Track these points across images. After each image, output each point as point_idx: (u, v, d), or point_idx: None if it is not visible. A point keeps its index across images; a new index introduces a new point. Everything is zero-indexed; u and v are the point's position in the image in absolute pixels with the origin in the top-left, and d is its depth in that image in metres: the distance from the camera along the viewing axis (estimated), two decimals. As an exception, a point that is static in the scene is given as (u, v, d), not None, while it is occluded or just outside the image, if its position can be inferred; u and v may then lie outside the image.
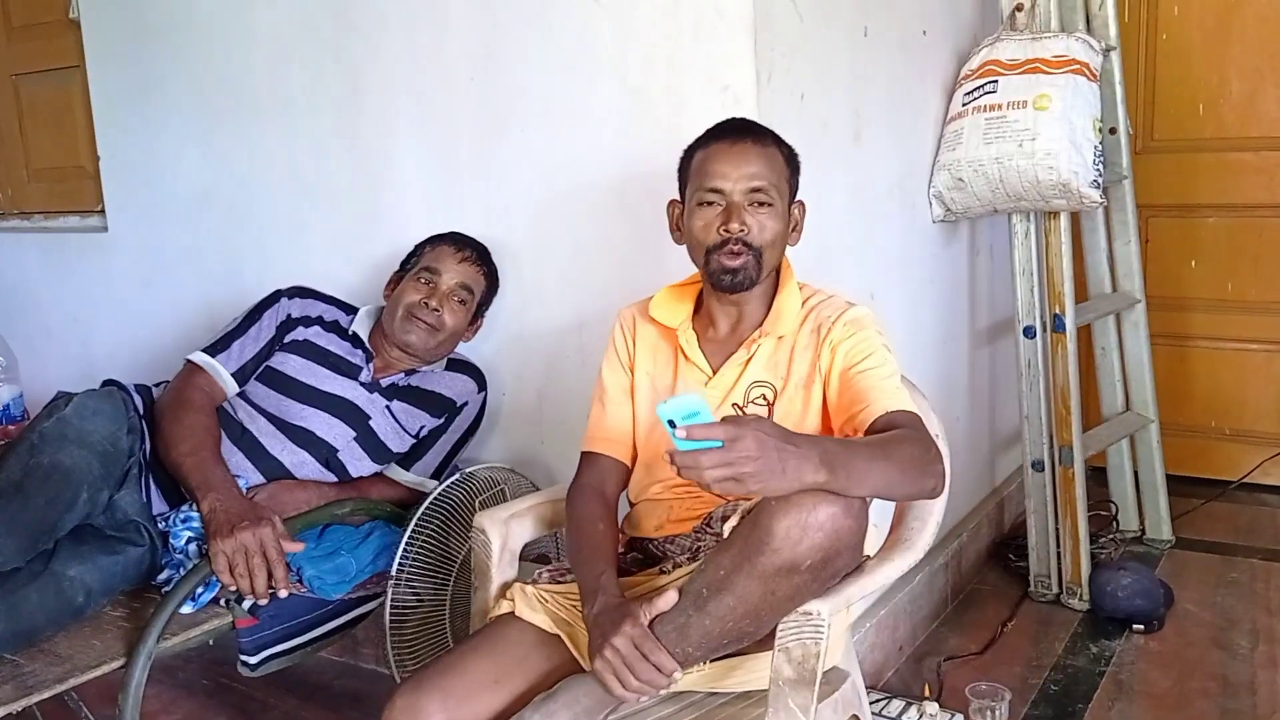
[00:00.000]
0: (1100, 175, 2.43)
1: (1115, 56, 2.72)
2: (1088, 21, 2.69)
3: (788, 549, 1.29)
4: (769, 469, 1.21)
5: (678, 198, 1.69)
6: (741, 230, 1.57)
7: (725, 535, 1.37)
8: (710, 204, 1.59)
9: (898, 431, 1.44)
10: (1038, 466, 2.74)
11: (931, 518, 1.58)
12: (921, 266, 2.61)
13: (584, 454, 1.74)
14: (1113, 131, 2.77)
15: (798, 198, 1.68)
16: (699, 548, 1.57)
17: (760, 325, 1.65)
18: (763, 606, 1.34)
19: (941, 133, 2.59)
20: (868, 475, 1.33)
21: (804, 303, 1.67)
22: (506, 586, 1.70)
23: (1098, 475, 3.07)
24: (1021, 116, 2.42)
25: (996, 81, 2.47)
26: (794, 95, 2.00)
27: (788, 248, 1.68)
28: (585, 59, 2.07)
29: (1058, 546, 2.73)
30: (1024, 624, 2.63)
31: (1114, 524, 3.08)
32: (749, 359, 1.64)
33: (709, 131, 1.65)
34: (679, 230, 1.68)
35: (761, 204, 1.59)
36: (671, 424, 1.21)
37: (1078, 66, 2.43)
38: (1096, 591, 2.63)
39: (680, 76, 1.96)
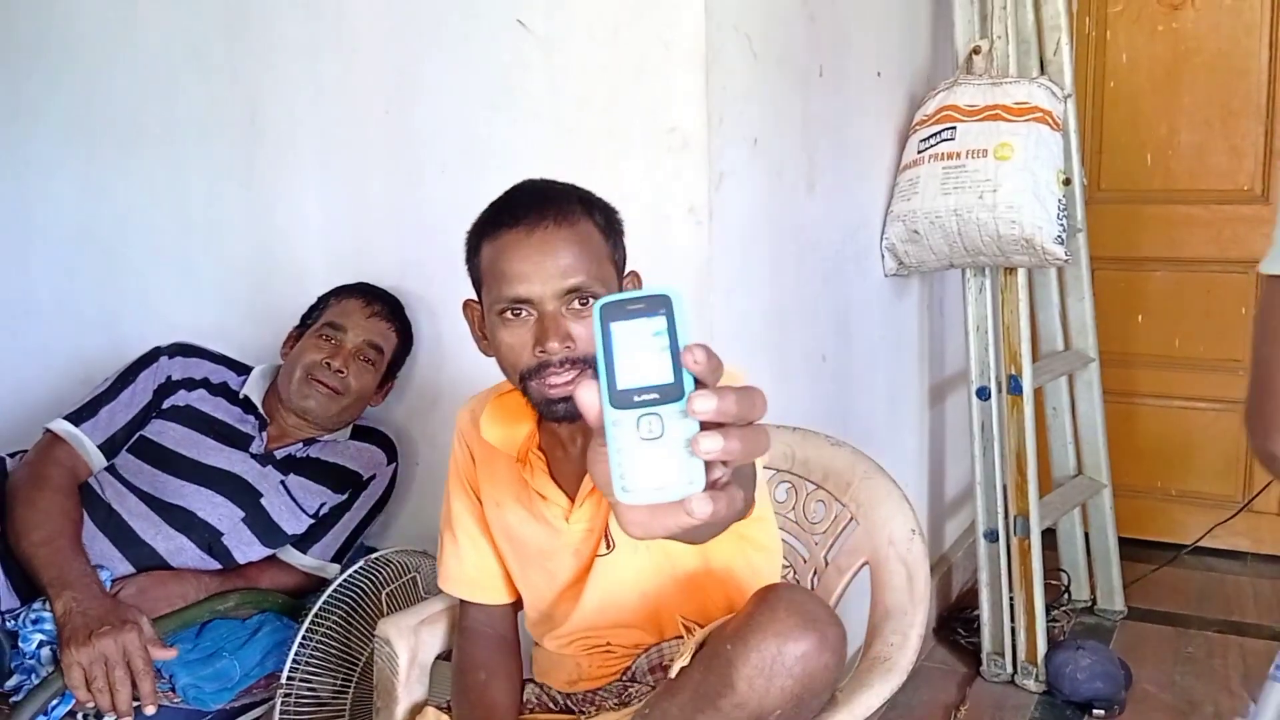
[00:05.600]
0: (1064, 230, 2.29)
1: (1070, 104, 2.60)
2: (1042, 67, 2.57)
3: (754, 701, 1.07)
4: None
5: (474, 297, 1.32)
6: (566, 348, 1.19)
7: (674, 676, 1.15)
8: (516, 314, 1.21)
9: None
10: (991, 537, 2.58)
11: (914, 630, 1.38)
12: (874, 324, 2.44)
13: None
14: (1066, 183, 2.64)
15: (628, 270, 1.31)
16: (630, 692, 1.34)
17: None
18: None
19: (895, 181, 2.43)
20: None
21: None
22: (418, 709, 1.45)
23: (1045, 538, 2.92)
24: (982, 166, 2.26)
25: (954, 128, 2.32)
26: (747, 140, 1.81)
27: None
28: (513, 94, 1.86)
29: (1011, 622, 2.57)
30: (977, 708, 2.47)
31: (1065, 594, 2.93)
32: None
33: (493, 209, 1.27)
34: (484, 338, 1.30)
35: (583, 301, 1.21)
36: (604, 328, 0.66)
37: (1040, 114, 2.29)
38: (1054, 672, 2.47)
39: (621, 117, 1.76)
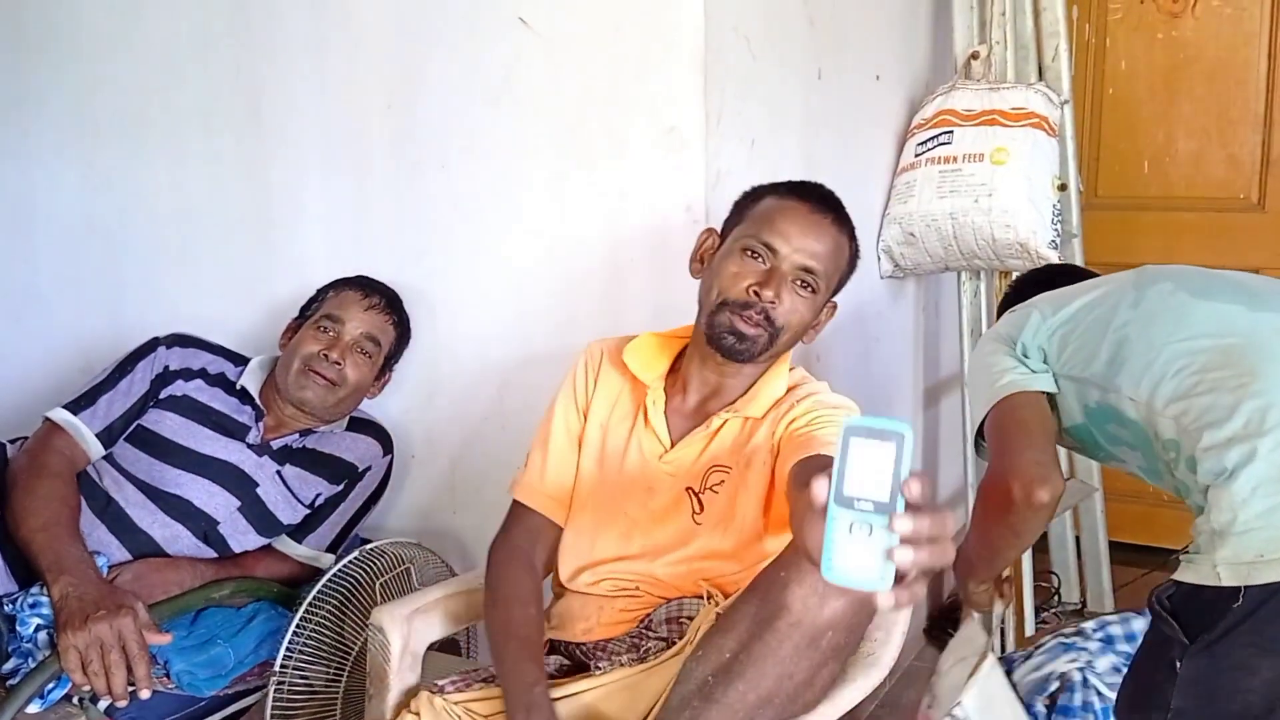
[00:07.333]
0: (1058, 235, 2.31)
1: (1068, 110, 2.62)
2: (1040, 73, 2.59)
3: (808, 619, 1.14)
4: None
5: (715, 228, 1.51)
6: (772, 302, 1.39)
7: (721, 612, 1.24)
8: (756, 256, 1.41)
9: None
10: (982, 538, 2.59)
11: (897, 627, 1.41)
12: (870, 325, 2.45)
13: (516, 503, 1.52)
14: (1062, 188, 2.65)
15: (834, 299, 1.51)
16: (645, 647, 1.37)
17: (733, 403, 1.46)
18: (776, 691, 1.18)
19: (892, 183, 2.45)
20: None
21: (789, 389, 1.47)
22: (411, 694, 1.47)
23: (1037, 540, 2.93)
24: (978, 171, 2.28)
25: (952, 132, 2.33)
26: (744, 140, 1.83)
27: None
28: (514, 91, 1.88)
29: (1001, 623, 2.58)
30: (966, 707, 2.47)
31: (1056, 596, 2.95)
32: (711, 436, 1.45)
33: (792, 184, 1.48)
34: (701, 262, 1.50)
35: (805, 285, 1.41)
36: (845, 440, 0.80)
37: (1037, 120, 2.30)
38: (1043, 674, 2.48)
39: (621, 115, 1.78)
